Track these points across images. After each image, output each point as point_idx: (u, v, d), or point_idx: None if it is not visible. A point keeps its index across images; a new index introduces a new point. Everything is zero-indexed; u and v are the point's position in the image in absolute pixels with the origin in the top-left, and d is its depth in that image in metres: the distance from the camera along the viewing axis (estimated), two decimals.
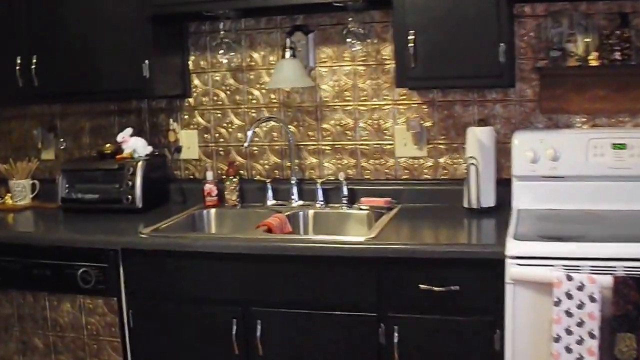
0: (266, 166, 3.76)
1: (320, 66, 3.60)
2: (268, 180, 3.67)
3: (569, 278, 2.42)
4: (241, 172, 3.77)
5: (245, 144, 3.48)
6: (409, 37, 3.05)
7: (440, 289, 2.73)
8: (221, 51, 3.60)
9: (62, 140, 4.02)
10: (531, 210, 3.15)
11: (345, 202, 3.54)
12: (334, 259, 2.85)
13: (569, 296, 2.42)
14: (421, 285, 2.75)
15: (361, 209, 3.47)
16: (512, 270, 2.59)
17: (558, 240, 2.65)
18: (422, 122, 3.51)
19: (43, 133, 4.06)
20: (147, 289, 3.10)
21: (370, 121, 3.59)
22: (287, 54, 3.44)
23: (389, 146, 3.58)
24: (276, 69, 3.48)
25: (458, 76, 3.09)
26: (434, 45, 3.06)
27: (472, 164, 3.24)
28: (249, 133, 3.47)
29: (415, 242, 2.86)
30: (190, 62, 3.79)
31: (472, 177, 3.25)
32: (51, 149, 4.07)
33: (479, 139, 3.23)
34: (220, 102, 3.77)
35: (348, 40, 3.40)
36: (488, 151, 3.28)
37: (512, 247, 2.63)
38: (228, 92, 3.75)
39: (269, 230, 3.20)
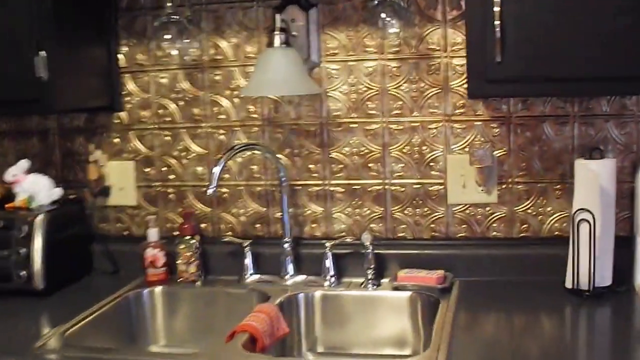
0: (243, 218, 2.34)
1: (329, 61, 2.20)
2: (246, 243, 2.23)
3: None
4: (203, 227, 2.30)
5: (210, 189, 2.01)
6: (494, 11, 1.65)
7: None
8: (168, 37, 2.13)
9: None
10: None
11: (371, 277, 2.13)
12: None
13: None
14: None
15: (398, 290, 2.07)
16: None
17: None
18: (491, 149, 2.10)
19: None
20: None
21: (407, 148, 2.22)
22: (277, 40, 2.05)
23: (437, 187, 2.20)
24: (258, 66, 2.09)
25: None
26: (536, 24, 1.69)
27: (585, 220, 1.87)
28: (216, 170, 2.02)
29: None
30: (120, 56, 2.32)
31: (584, 240, 1.88)
32: None
33: (594, 180, 1.86)
34: (169, 119, 2.34)
35: (382, 16, 1.97)
36: (608, 199, 1.92)
37: None
38: (181, 103, 2.31)
39: (253, 339, 1.77)
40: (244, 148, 2.16)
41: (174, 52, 2.26)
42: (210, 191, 2.03)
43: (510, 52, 1.77)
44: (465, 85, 1.99)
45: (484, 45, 1.79)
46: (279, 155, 2.27)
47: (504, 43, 1.77)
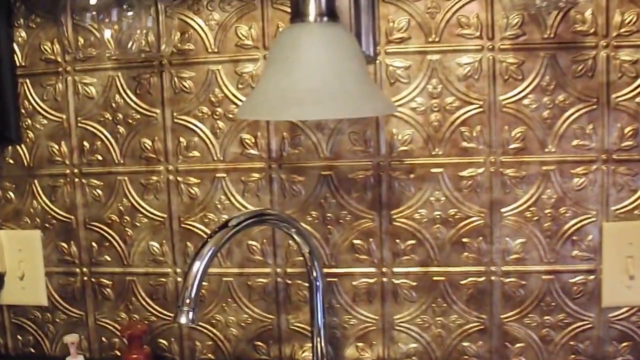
0: (235, 331, 1.26)
1: (392, 52, 1.17)
2: None
3: None
4: (165, 346, 1.26)
5: (184, 315, 0.90)
6: None
7: None
8: (89, 14, 1.05)
9: None
10: None
11: None
12: None
13: None
14: None
15: None
16: None
17: None
18: None
19: None
20: None
21: (532, 210, 1.22)
22: (312, 7, 0.90)
23: (583, 279, 1.22)
24: (273, 61, 0.99)
25: None
26: None
27: None
28: (196, 270, 0.91)
29: None
30: (15, 47, 1.20)
31: None
32: None
33: None
34: (101, 157, 1.26)
35: None
36: None
37: None
38: (122, 130, 1.25)
39: None
40: (252, 221, 1.05)
41: (108, 37, 1.15)
42: (182, 319, 0.94)
43: None
44: None
45: None
46: (302, 225, 1.18)
47: None
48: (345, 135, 1.20)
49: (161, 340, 1.30)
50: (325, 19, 1.00)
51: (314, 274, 1.14)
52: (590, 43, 1.16)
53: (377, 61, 1.18)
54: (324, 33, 0.98)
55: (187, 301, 0.95)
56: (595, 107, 1.17)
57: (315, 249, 1.12)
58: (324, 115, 1.01)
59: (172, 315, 1.28)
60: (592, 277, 1.21)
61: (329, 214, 1.22)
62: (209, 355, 1.28)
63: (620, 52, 1.16)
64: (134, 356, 1.18)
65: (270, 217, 1.08)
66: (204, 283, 1.21)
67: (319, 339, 1.16)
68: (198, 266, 0.97)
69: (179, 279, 1.26)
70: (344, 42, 0.99)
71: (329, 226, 1.22)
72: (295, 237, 1.10)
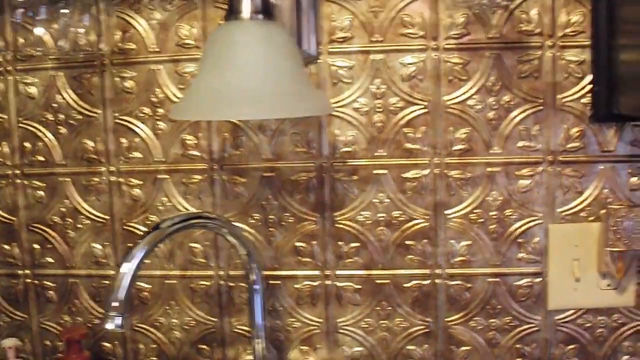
0: (178, 334, 1.24)
1: (335, 51, 1.12)
2: None
3: None
4: (108, 348, 1.20)
5: (111, 320, 0.87)
6: None
7: None
8: (29, 13, 1.02)
9: None
10: None
11: None
12: None
13: None
14: None
15: None
16: None
17: None
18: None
19: None
20: None
21: (477, 213, 1.18)
22: (245, 5, 0.87)
23: (529, 281, 1.20)
24: (207, 59, 0.97)
25: None
26: None
27: None
28: (125, 271, 0.90)
29: None
30: None
31: None
32: None
33: None
34: (43, 158, 1.28)
35: None
36: None
37: None
38: (63, 131, 1.26)
39: None
40: (186, 224, 1.02)
41: (48, 36, 1.12)
42: (109, 325, 0.91)
43: None
44: (587, 99, 0.98)
45: None
46: (240, 226, 1.15)
47: None
48: (288, 136, 1.17)
49: (105, 344, 1.26)
50: (260, 16, 0.97)
51: (253, 276, 1.10)
52: (536, 43, 1.13)
53: (319, 61, 1.15)
54: (258, 31, 0.95)
55: (115, 305, 0.92)
56: (541, 108, 1.14)
57: (252, 252, 1.09)
58: (256, 115, 0.99)
59: None
60: (538, 279, 1.18)
61: (271, 216, 1.18)
62: (153, 358, 1.25)
63: (566, 53, 1.13)
64: (73, 345, 1.15)
65: (204, 220, 1.05)
66: (146, 285, 1.19)
67: (258, 342, 1.13)
68: (127, 269, 0.93)
69: None
70: (279, 41, 0.95)
71: (271, 228, 1.19)
72: (232, 240, 1.07)
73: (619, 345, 1.19)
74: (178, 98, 1.16)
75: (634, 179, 1.15)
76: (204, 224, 1.04)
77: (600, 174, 1.15)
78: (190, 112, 0.95)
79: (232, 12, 0.96)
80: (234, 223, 1.17)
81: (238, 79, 0.92)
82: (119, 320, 0.92)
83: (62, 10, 1.14)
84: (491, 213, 1.16)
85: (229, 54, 0.94)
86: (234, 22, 0.95)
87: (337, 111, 1.15)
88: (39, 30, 1.17)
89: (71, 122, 1.22)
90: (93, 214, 1.23)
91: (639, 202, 1.15)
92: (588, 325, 1.19)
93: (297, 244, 1.19)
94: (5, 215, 1.26)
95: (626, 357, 1.20)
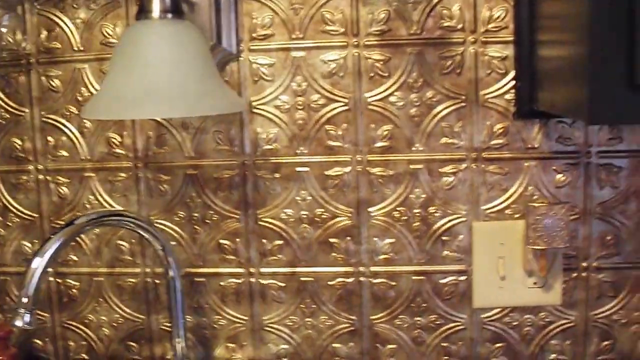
0: (107, 331, 1.26)
1: (256, 49, 1.10)
2: None
3: None
4: (39, 345, 1.21)
5: (19, 317, 0.87)
6: None
7: None
8: None
9: None
10: None
11: None
12: None
13: None
14: None
15: None
16: None
17: None
18: (567, 216, 1.00)
19: None
20: None
21: (401, 210, 1.15)
22: (156, 4, 0.87)
23: (454, 279, 1.19)
24: (117, 58, 0.97)
25: None
26: None
27: None
28: (34, 269, 0.88)
29: None
30: None
31: None
32: None
33: None
34: None
35: None
36: None
37: None
38: None
39: None
40: (96, 223, 1.02)
41: None
42: (18, 322, 0.91)
43: None
44: (510, 95, 0.96)
45: None
46: (163, 224, 1.15)
47: None
48: (210, 134, 1.16)
49: (36, 340, 1.26)
50: (169, 15, 0.96)
51: (171, 272, 1.10)
52: (458, 39, 1.11)
53: (241, 58, 1.14)
54: (166, 30, 0.95)
55: (25, 300, 0.92)
56: (464, 104, 1.13)
57: (168, 247, 1.08)
58: (161, 114, 0.98)
59: (45, 314, 1.24)
60: (463, 277, 1.16)
61: (195, 214, 1.18)
62: (83, 355, 1.25)
63: (489, 48, 1.11)
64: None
65: (118, 217, 1.05)
66: (74, 283, 1.18)
67: (179, 341, 1.12)
68: (37, 264, 0.93)
69: (51, 279, 1.23)
70: (188, 39, 0.95)
71: (195, 226, 1.18)
72: (147, 236, 1.07)
73: (546, 344, 1.18)
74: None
75: (559, 176, 1.13)
76: (119, 220, 1.04)
77: (525, 171, 1.13)
78: (98, 111, 0.95)
79: (142, 12, 0.96)
80: (157, 221, 1.17)
81: (145, 78, 0.92)
82: (27, 317, 0.92)
83: None
84: (415, 211, 1.15)
85: (137, 53, 0.94)
86: (143, 22, 0.95)
87: (259, 109, 1.15)
88: None
89: (0, 120, 1.21)
90: (22, 212, 1.23)
91: (564, 200, 1.13)
92: (515, 323, 1.17)
93: (221, 241, 1.18)
94: None
95: (553, 355, 1.18)
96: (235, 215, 1.17)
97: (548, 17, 1.02)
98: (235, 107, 0.99)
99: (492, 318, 1.17)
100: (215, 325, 1.21)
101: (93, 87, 1.17)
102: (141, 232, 1.06)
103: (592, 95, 0.79)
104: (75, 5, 1.17)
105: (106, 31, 1.17)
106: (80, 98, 1.18)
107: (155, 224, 1.17)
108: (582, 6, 0.79)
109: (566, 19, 0.88)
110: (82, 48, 1.17)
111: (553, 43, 0.98)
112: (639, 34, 0.76)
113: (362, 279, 1.18)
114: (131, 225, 1.04)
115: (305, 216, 1.16)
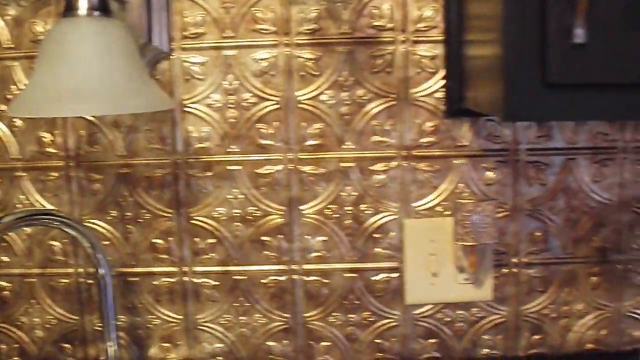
0: (39, 332, 1.25)
1: (187, 47, 1.10)
2: None
3: None
4: None
5: None
6: None
7: None
8: None
9: None
10: None
11: None
12: None
13: None
14: None
15: None
16: None
17: None
18: (494, 212, 1.02)
19: None
20: None
21: (332, 208, 1.14)
22: (82, 4, 0.87)
23: (386, 276, 1.17)
24: (44, 55, 0.96)
25: None
26: None
27: None
28: None
29: None
30: None
31: None
32: None
33: None
34: None
35: None
36: None
37: None
38: None
39: None
40: (22, 222, 1.01)
41: None
42: None
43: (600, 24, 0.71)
44: (441, 94, 0.96)
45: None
46: (95, 223, 1.13)
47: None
48: (142, 133, 1.15)
49: None
50: (96, 13, 0.96)
51: (101, 270, 1.09)
52: (388, 38, 1.12)
53: (172, 57, 1.13)
54: (92, 28, 0.94)
55: None
56: (394, 102, 1.13)
57: (97, 245, 1.07)
58: (88, 111, 0.97)
59: None
60: (395, 274, 1.17)
61: (127, 213, 1.17)
62: (15, 358, 1.23)
63: (418, 47, 1.12)
64: None
65: (43, 216, 1.03)
66: (6, 284, 1.17)
67: (110, 345, 1.11)
68: None
69: None
70: (114, 37, 0.94)
71: (128, 225, 1.17)
72: (75, 234, 1.05)
73: (478, 339, 1.19)
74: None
75: (489, 173, 1.14)
76: (46, 219, 1.03)
77: (455, 168, 1.14)
78: (25, 109, 0.93)
79: (69, 9, 0.95)
80: (90, 220, 1.16)
81: (71, 76, 0.91)
82: None
83: None
84: (346, 208, 1.15)
85: (62, 51, 0.93)
86: (69, 19, 0.94)
87: (191, 107, 1.14)
88: None
89: None
90: None
91: (494, 197, 1.15)
92: (447, 319, 1.18)
93: (154, 240, 1.17)
94: None
95: (486, 350, 1.19)
96: (168, 214, 1.17)
97: (474, 17, 1.03)
98: (163, 105, 0.99)
99: (425, 314, 1.18)
100: (149, 325, 1.20)
101: (23, 84, 1.16)
102: (69, 231, 1.04)
103: (507, 94, 0.80)
104: (4, 2, 1.15)
105: (36, 28, 1.15)
106: (9, 96, 1.17)
107: (88, 224, 1.16)
108: (499, 7, 0.80)
109: (487, 19, 0.89)
110: (12, 45, 1.16)
111: (478, 43, 1.00)
112: (551, 34, 0.77)
113: (294, 276, 1.18)
114: (59, 224, 1.03)
115: (237, 214, 1.16)
